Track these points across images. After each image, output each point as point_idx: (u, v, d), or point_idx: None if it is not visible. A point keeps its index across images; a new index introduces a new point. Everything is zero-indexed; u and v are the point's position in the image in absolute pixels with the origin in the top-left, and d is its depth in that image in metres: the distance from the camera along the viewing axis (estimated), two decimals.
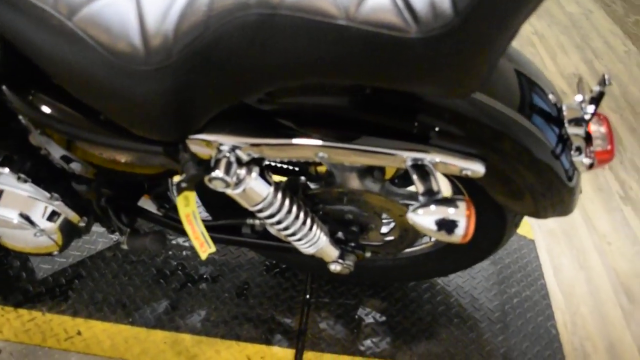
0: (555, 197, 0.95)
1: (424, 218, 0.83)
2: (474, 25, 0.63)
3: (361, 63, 0.69)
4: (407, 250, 1.27)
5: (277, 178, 1.33)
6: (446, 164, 0.84)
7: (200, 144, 0.83)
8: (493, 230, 1.09)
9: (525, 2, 0.62)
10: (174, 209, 1.17)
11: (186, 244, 1.53)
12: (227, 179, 0.81)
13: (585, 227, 1.77)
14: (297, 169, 1.16)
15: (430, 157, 0.83)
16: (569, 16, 2.99)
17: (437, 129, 0.83)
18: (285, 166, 1.17)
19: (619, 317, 1.52)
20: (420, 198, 0.83)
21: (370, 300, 1.42)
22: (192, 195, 0.87)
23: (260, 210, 0.91)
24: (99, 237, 1.53)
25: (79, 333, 1.31)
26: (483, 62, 0.68)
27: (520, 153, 0.87)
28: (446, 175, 1.00)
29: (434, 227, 0.83)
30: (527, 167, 0.89)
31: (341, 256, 1.09)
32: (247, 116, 0.84)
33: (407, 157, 0.83)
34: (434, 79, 0.70)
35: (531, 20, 2.91)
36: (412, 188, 1.28)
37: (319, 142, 0.82)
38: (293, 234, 0.96)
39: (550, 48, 2.68)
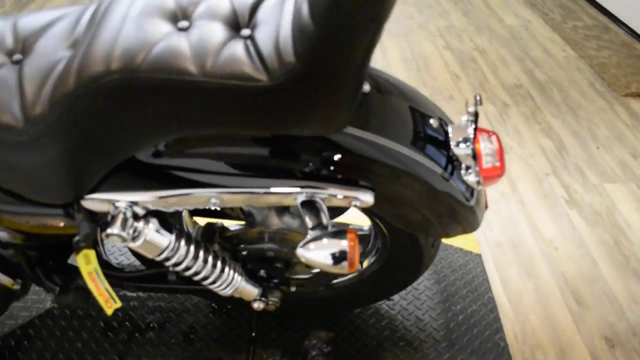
0: (458, 218, 0.98)
1: (313, 253, 0.85)
2: (315, 66, 0.67)
3: (226, 114, 0.73)
4: (340, 280, 1.29)
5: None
6: (335, 197, 0.86)
7: (96, 201, 0.86)
8: (411, 255, 1.12)
9: (359, 39, 0.66)
10: (104, 262, 1.19)
11: (132, 294, 1.54)
12: (123, 234, 0.83)
13: (532, 235, 1.80)
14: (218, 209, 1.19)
15: (320, 193, 0.86)
16: (509, 29, 3.08)
17: (325, 165, 0.86)
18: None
19: (568, 321, 1.54)
20: (310, 232, 0.86)
21: (316, 332, 1.43)
22: (92, 253, 0.89)
23: (167, 259, 0.93)
24: (48, 296, 1.53)
25: None
26: (337, 98, 0.72)
27: (411, 182, 0.90)
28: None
29: (323, 261, 0.85)
30: (421, 195, 0.92)
31: (263, 294, 1.11)
32: (140, 171, 0.87)
33: (298, 194, 0.86)
34: (297, 121, 0.73)
35: (472, 37, 2.99)
36: (338, 219, 1.31)
37: (208, 190, 0.85)
38: (205, 278, 0.98)
39: (491, 62, 2.75)
